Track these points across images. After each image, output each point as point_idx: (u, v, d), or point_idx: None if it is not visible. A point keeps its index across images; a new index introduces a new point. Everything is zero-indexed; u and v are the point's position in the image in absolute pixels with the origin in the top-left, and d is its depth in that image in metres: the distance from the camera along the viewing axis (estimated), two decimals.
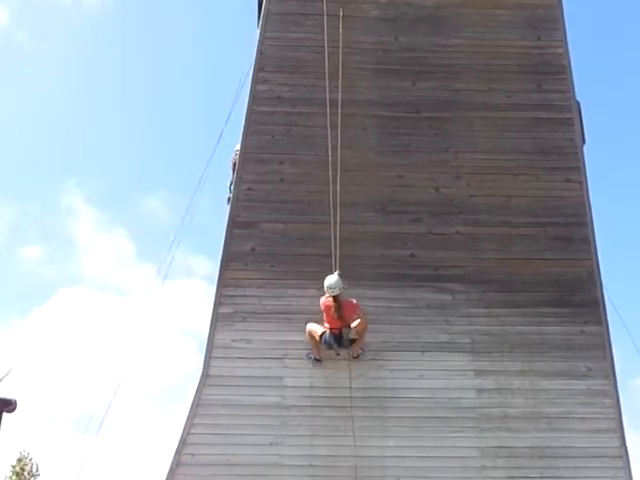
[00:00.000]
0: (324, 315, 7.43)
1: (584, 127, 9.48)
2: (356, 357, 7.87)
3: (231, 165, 9.34)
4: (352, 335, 7.47)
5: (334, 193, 7.37)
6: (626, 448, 7.89)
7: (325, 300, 7.46)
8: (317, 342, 7.73)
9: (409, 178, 8.99)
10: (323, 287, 7.70)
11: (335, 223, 7.36)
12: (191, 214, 9.15)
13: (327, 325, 7.52)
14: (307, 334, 7.82)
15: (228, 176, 9.42)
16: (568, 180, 9.09)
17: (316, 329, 7.73)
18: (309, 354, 7.91)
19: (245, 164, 9.00)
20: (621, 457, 7.85)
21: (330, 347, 7.52)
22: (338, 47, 8.53)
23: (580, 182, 9.06)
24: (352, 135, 8.89)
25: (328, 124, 8.52)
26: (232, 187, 9.04)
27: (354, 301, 7.53)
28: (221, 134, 9.33)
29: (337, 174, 7.83)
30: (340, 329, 7.42)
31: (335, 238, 7.64)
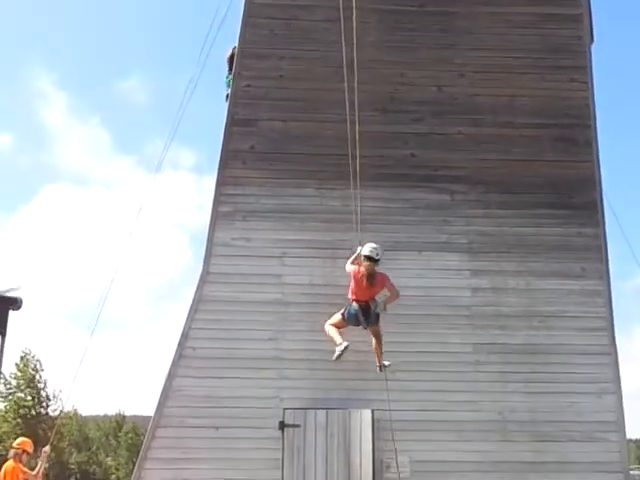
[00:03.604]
0: (353, 286, 6.95)
1: (593, 25, 9.17)
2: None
3: (227, 59, 9.02)
4: (380, 310, 7.02)
5: (350, 90, 6.95)
6: (615, 346, 8.14)
7: (356, 269, 6.91)
8: (338, 326, 7.09)
9: (411, 76, 8.76)
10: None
11: (353, 122, 6.96)
12: (182, 113, 8.86)
13: (354, 297, 7.03)
14: (326, 330, 7.13)
15: (224, 72, 9.13)
16: (573, 80, 8.88)
17: (334, 317, 7.13)
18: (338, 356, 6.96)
19: (243, 60, 8.73)
20: (609, 354, 8.10)
21: (357, 322, 6.99)
22: None
23: (585, 82, 8.86)
24: (351, 30, 8.55)
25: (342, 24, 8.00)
26: (230, 82, 8.80)
27: (384, 273, 7.03)
28: (218, 28, 8.94)
29: (354, 70, 7.24)
30: (368, 302, 6.96)
31: (355, 138, 7.08)
